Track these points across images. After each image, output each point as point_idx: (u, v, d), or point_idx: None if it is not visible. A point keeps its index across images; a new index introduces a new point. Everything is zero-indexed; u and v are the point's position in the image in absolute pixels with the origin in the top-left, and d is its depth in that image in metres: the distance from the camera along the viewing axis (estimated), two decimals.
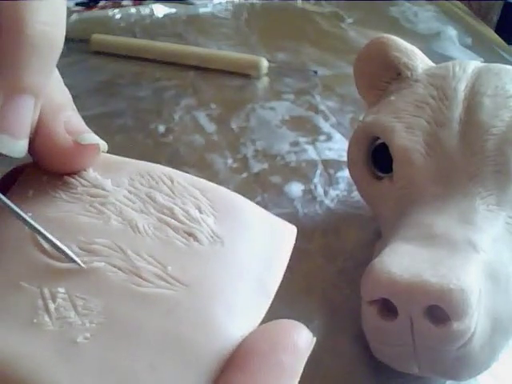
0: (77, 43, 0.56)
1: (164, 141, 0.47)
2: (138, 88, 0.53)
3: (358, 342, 0.31)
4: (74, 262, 0.17)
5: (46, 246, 0.18)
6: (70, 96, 0.20)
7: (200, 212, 0.19)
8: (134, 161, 0.21)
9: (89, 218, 0.19)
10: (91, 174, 0.20)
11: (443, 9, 0.68)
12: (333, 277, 0.36)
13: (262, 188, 0.42)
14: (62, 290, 0.17)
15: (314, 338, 0.17)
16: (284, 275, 0.19)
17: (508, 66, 0.33)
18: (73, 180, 0.20)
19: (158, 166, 0.21)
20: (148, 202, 0.19)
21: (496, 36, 0.63)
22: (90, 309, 0.17)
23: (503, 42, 0.62)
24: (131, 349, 0.16)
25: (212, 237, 0.19)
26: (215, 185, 0.21)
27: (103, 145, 0.20)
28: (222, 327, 0.17)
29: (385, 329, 0.27)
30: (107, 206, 0.19)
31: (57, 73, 0.20)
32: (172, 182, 0.20)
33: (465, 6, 0.70)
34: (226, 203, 0.20)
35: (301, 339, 0.17)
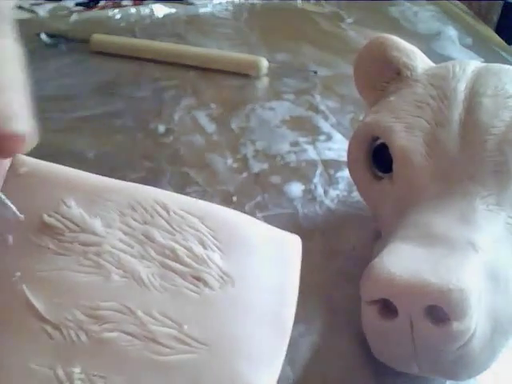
0: (77, 43, 0.56)
1: (164, 141, 0.47)
2: (138, 88, 0.53)
3: (358, 342, 0.31)
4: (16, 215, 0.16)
5: (44, 313, 0.16)
6: (22, 78, 0.19)
7: (204, 247, 0.18)
8: (118, 185, 0.19)
9: (87, 276, 0.17)
10: (75, 210, 0.18)
11: (443, 9, 0.68)
12: (333, 277, 0.36)
13: (262, 188, 0.42)
14: (77, 369, 0.16)
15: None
16: None
17: (508, 66, 0.33)
18: (56, 222, 0.18)
19: (147, 189, 0.19)
20: (147, 244, 0.18)
21: (496, 36, 0.63)
22: None
23: (503, 42, 0.62)
24: None
25: (221, 277, 0.18)
26: (212, 206, 0.19)
27: (32, 136, 0.18)
28: None
29: (385, 329, 0.27)
30: (104, 257, 0.17)
31: (11, 53, 0.19)
32: (168, 212, 0.18)
33: (465, 6, 0.70)
34: (227, 229, 0.19)
35: None
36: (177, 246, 0.18)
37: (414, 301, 0.25)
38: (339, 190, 0.42)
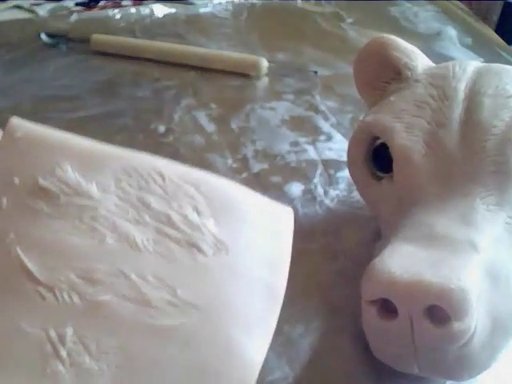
0: (77, 43, 0.56)
1: (164, 141, 0.47)
2: (138, 88, 0.53)
3: (358, 342, 0.31)
4: None
5: (38, 274, 0.16)
6: None
7: (199, 214, 0.18)
8: (116, 152, 0.19)
9: (82, 239, 0.17)
10: (70, 174, 0.18)
11: (443, 9, 0.68)
12: (333, 277, 0.36)
13: (262, 188, 0.42)
14: (69, 330, 0.15)
15: None
16: None
17: (508, 66, 0.33)
18: (51, 186, 0.17)
19: (144, 157, 0.19)
20: (142, 209, 0.17)
21: (496, 36, 0.63)
22: (105, 350, 0.15)
23: (503, 42, 0.62)
24: None
25: (215, 244, 0.18)
26: (207, 175, 0.19)
27: None
28: (242, 352, 0.16)
29: (385, 329, 0.27)
30: (99, 221, 0.17)
31: None
32: (163, 179, 0.18)
33: (465, 6, 0.70)
34: (222, 198, 0.19)
35: None
36: (172, 213, 0.18)
37: (415, 301, 0.25)
38: (339, 189, 0.42)
